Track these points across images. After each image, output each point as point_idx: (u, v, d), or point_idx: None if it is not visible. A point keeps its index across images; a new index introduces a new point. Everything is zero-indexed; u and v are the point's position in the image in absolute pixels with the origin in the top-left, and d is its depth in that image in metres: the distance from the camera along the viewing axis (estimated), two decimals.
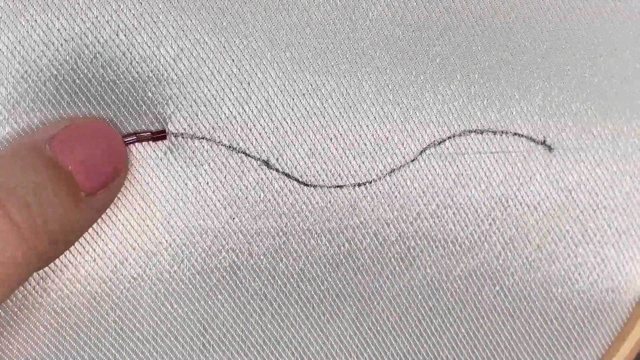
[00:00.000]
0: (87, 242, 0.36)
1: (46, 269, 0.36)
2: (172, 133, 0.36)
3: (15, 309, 0.37)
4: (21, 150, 0.32)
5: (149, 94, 0.36)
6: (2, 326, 0.37)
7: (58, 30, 0.34)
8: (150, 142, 0.36)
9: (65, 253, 0.36)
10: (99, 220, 0.36)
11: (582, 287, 0.43)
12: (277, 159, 0.38)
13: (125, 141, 0.35)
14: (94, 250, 0.37)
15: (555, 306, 0.42)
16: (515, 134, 0.40)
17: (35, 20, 0.34)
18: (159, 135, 0.36)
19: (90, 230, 0.36)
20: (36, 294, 0.37)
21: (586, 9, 0.40)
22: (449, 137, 0.39)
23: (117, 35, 0.35)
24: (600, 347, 0.44)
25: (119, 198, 0.36)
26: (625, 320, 0.43)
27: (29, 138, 0.33)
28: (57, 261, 0.36)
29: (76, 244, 0.36)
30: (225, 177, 0.37)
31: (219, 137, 0.37)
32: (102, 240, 0.37)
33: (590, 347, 0.43)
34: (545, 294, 0.42)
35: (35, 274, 0.36)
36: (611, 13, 0.41)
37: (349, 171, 0.39)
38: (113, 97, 0.35)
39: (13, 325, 0.37)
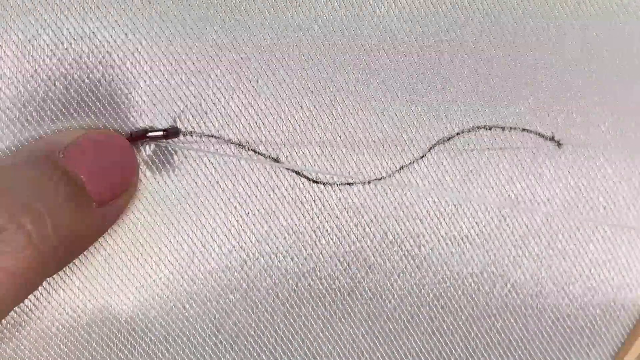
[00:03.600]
0: (99, 241, 0.36)
1: None
2: (182, 131, 0.36)
3: (28, 309, 0.37)
4: (35, 159, 0.32)
5: (158, 93, 0.36)
6: (15, 326, 0.37)
7: (67, 29, 0.34)
8: (161, 140, 0.36)
9: None
10: None
11: (593, 285, 0.42)
12: (286, 157, 0.38)
13: (136, 135, 0.35)
14: (105, 250, 0.37)
15: (567, 303, 0.42)
16: (524, 129, 0.40)
17: (45, 20, 0.34)
18: (172, 132, 0.36)
19: None
20: (48, 294, 0.37)
21: (593, 4, 0.40)
22: (458, 134, 0.39)
23: (125, 35, 0.35)
24: (613, 345, 0.43)
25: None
26: (637, 317, 0.43)
27: (41, 145, 0.34)
28: None
29: None
30: (235, 175, 0.37)
31: (227, 135, 0.37)
32: (113, 239, 0.37)
33: (603, 345, 0.43)
34: (557, 291, 0.42)
35: None
36: (618, 9, 0.41)
37: (359, 168, 0.39)
38: (123, 97, 0.35)
39: (25, 325, 0.37)
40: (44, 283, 0.36)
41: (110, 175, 0.33)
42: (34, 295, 0.36)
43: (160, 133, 0.35)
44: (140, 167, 0.36)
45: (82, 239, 0.33)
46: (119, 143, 0.34)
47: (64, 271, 0.37)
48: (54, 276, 0.37)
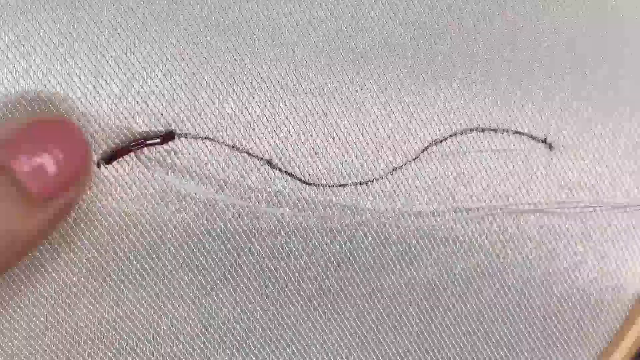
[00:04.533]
0: (84, 237, 0.36)
1: (45, 266, 0.36)
2: (176, 134, 0.36)
3: (15, 307, 0.36)
4: None
5: (152, 95, 0.35)
6: (1, 324, 0.36)
7: (59, 29, 0.34)
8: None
9: (65, 250, 0.36)
10: (99, 217, 0.36)
11: (581, 285, 0.43)
12: (279, 159, 0.38)
13: (134, 146, 0.35)
14: (93, 248, 0.37)
15: (555, 304, 0.42)
16: (516, 132, 0.40)
17: (36, 20, 0.34)
18: (168, 136, 0.35)
19: (90, 227, 0.36)
20: (35, 292, 0.36)
21: (587, 7, 0.40)
22: (450, 136, 0.39)
23: (118, 34, 0.35)
24: (599, 345, 0.44)
25: (120, 197, 0.36)
26: (624, 318, 0.44)
27: None
28: (56, 258, 0.36)
29: (75, 241, 0.36)
30: (228, 177, 0.37)
31: (221, 137, 0.37)
32: (97, 235, 0.36)
33: (590, 345, 0.43)
34: (545, 291, 0.42)
35: (35, 271, 0.36)
36: (612, 11, 0.41)
37: (351, 170, 0.39)
38: (115, 98, 0.35)
39: (12, 323, 0.37)
40: (31, 280, 0.36)
41: (53, 167, 0.30)
42: (22, 292, 0.36)
43: (158, 140, 0.35)
44: (133, 169, 0.36)
45: (20, 241, 0.31)
46: (66, 128, 0.31)
47: (51, 268, 0.36)
48: (41, 273, 0.36)
